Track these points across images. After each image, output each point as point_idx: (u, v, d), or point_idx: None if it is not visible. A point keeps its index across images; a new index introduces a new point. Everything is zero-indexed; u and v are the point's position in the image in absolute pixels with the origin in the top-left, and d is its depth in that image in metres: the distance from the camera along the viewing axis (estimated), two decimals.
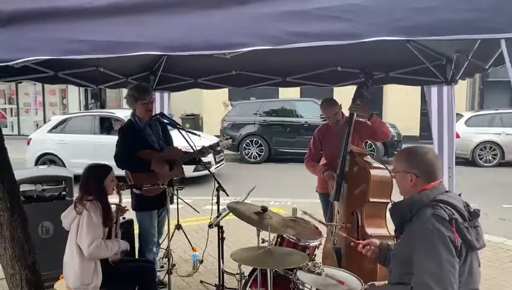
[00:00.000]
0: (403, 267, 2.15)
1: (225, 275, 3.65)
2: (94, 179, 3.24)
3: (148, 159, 3.88)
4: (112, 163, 3.61)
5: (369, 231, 3.55)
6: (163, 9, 1.76)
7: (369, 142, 10.18)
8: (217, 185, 3.83)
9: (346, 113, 4.03)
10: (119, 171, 3.75)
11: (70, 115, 11.21)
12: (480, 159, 12.29)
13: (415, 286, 2.03)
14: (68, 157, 9.99)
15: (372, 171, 3.65)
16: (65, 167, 9.46)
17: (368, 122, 4.00)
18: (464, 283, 2.06)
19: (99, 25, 1.79)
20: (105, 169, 3.33)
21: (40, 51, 1.82)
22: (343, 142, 3.83)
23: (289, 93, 13.86)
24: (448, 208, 2.08)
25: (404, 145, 11.57)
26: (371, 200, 3.62)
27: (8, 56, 1.84)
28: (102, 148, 9.30)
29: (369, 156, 3.89)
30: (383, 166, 3.75)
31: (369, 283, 2.69)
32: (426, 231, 2.04)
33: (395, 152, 11.01)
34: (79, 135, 10.25)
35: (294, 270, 2.79)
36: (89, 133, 10.27)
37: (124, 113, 10.54)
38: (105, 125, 10.47)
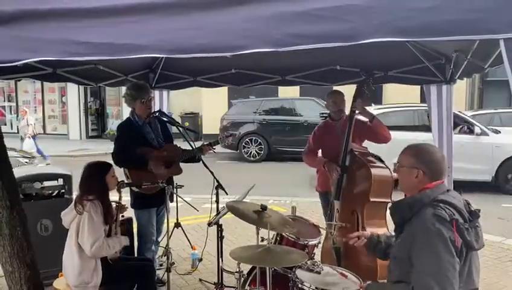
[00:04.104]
0: (402, 267, 2.14)
1: (224, 273, 3.65)
2: (95, 177, 3.24)
3: (146, 157, 3.88)
4: None
5: (369, 230, 3.49)
6: (164, 11, 1.76)
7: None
8: (216, 184, 3.84)
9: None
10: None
11: (385, 110, 9.47)
12: None
13: (415, 286, 2.03)
14: None
15: (373, 171, 3.60)
16: None
17: (369, 123, 3.95)
18: (464, 283, 2.06)
19: (101, 27, 1.79)
20: (105, 166, 3.34)
21: (43, 52, 1.81)
22: (343, 141, 3.81)
23: (288, 92, 13.83)
24: (449, 208, 2.06)
25: None
26: (372, 199, 3.59)
27: (10, 56, 1.83)
28: None
29: (370, 155, 3.83)
30: (384, 165, 3.74)
31: (368, 282, 2.69)
32: (427, 231, 2.02)
33: None
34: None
35: (293, 269, 2.79)
36: (410, 130, 8.81)
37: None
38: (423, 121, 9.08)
